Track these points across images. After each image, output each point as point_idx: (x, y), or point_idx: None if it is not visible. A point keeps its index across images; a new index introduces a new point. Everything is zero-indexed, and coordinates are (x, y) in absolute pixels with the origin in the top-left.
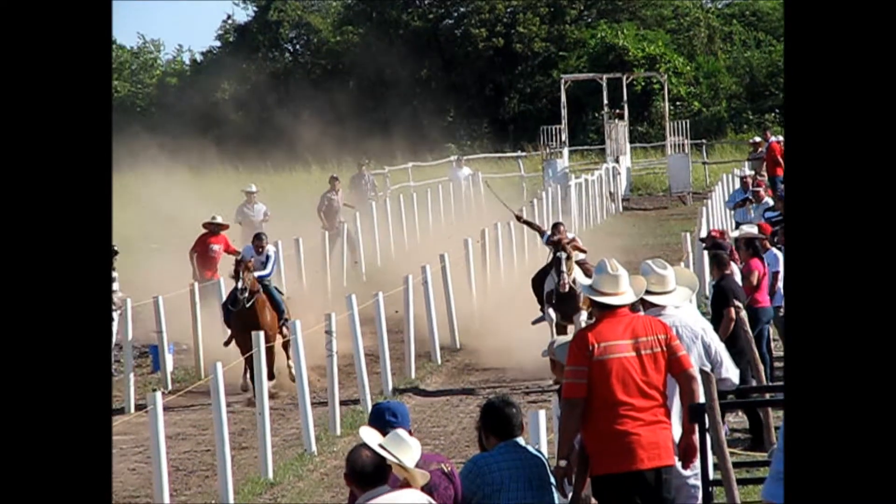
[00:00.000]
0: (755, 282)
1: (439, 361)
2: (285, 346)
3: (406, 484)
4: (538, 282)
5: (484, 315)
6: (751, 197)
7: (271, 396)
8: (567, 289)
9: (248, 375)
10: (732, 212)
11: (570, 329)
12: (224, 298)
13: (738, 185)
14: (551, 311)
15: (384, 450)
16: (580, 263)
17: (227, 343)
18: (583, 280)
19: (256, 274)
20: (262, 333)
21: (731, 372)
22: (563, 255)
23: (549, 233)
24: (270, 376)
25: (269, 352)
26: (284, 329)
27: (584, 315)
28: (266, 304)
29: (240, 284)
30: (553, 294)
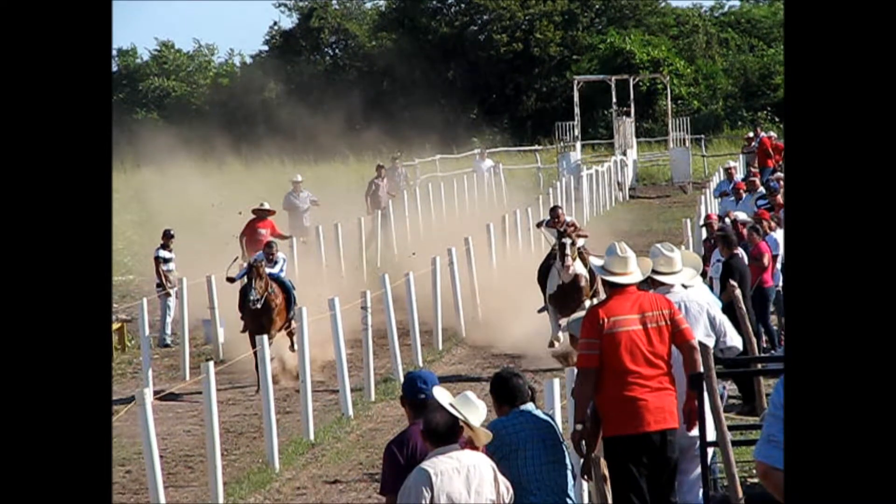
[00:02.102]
0: (766, 263)
1: (464, 334)
2: (290, 334)
3: (471, 444)
4: (543, 275)
5: (506, 292)
6: (729, 190)
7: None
8: (571, 272)
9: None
10: (718, 200)
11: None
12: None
13: (724, 177)
14: (555, 316)
15: (453, 408)
16: (580, 251)
17: (243, 331)
18: (595, 261)
19: (268, 271)
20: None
21: (735, 340)
22: (568, 241)
23: (548, 218)
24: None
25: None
26: (292, 323)
27: (580, 311)
28: (276, 300)
29: (253, 295)
30: (554, 296)
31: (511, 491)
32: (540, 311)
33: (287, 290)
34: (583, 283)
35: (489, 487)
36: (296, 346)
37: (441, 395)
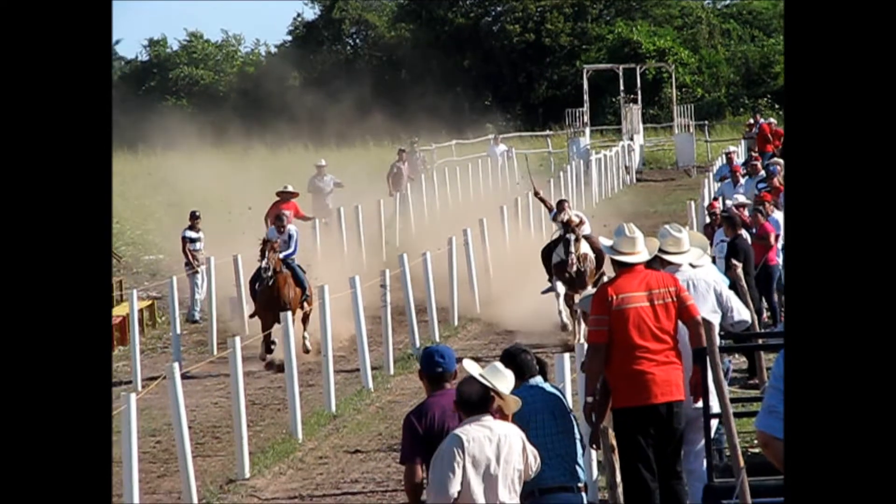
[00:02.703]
0: (772, 241)
1: (478, 310)
2: (304, 319)
3: (502, 412)
4: (546, 255)
5: (519, 270)
6: (728, 174)
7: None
8: (574, 268)
9: (267, 348)
10: (717, 184)
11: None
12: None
13: (724, 161)
14: (559, 284)
15: (483, 378)
16: (586, 237)
17: (251, 316)
18: (604, 241)
19: (282, 255)
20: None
21: (743, 314)
22: (572, 237)
23: (555, 210)
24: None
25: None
26: (305, 304)
27: (590, 289)
28: (288, 280)
29: (264, 263)
30: (561, 266)
31: (539, 459)
32: (544, 292)
33: (298, 278)
34: (589, 266)
35: (517, 456)
36: (308, 339)
37: (471, 366)
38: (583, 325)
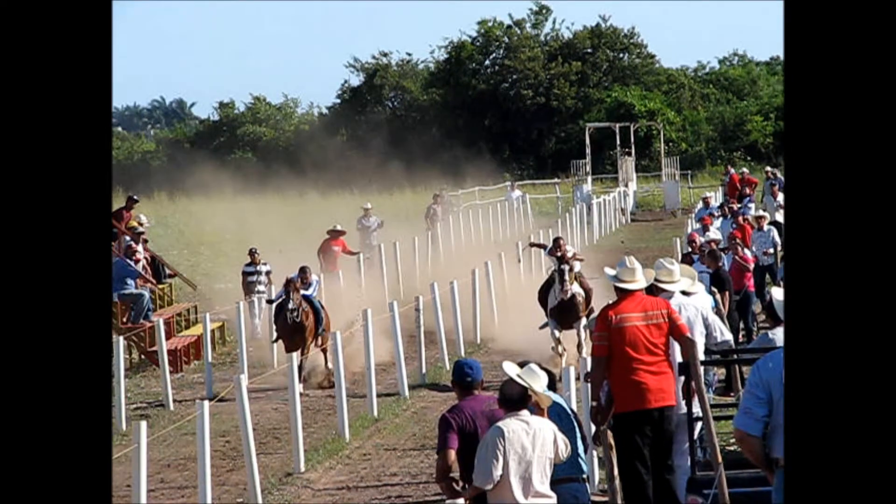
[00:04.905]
0: (750, 268)
1: (497, 330)
2: (324, 350)
3: (539, 409)
4: (543, 295)
5: (532, 297)
6: (715, 212)
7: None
8: (569, 295)
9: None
10: (698, 224)
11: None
12: (281, 298)
13: (702, 205)
14: (555, 324)
15: (521, 379)
16: (578, 276)
17: (274, 341)
18: (609, 271)
19: (302, 293)
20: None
21: (726, 335)
22: (567, 268)
23: (551, 246)
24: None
25: (304, 346)
26: (320, 339)
27: (583, 322)
28: (309, 315)
29: (290, 305)
30: (555, 310)
31: (569, 447)
32: (541, 327)
33: (316, 311)
34: (579, 301)
35: (550, 446)
36: (330, 363)
37: (510, 368)
38: (589, 342)
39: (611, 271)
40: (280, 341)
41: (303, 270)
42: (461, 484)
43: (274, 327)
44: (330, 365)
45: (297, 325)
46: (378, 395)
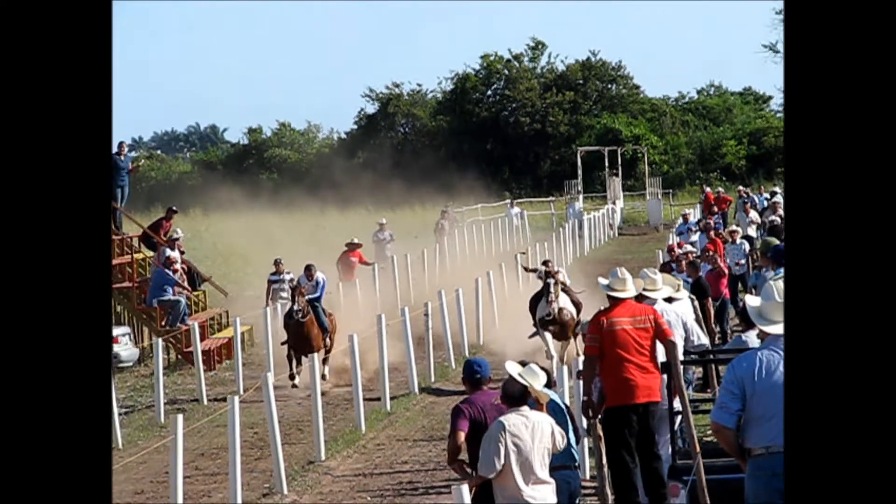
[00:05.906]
0: (725, 274)
1: (498, 333)
2: (325, 360)
3: (539, 405)
4: (533, 305)
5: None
6: (693, 227)
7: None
8: (554, 308)
9: (295, 369)
10: (678, 237)
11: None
12: (290, 306)
13: (682, 220)
14: (547, 334)
15: (521, 377)
16: (565, 290)
17: (284, 343)
18: (601, 280)
19: (308, 297)
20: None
21: (702, 339)
22: (552, 282)
23: (540, 268)
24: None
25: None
26: (328, 340)
27: (579, 339)
28: (314, 322)
29: (296, 307)
30: (544, 321)
31: (565, 439)
32: (531, 336)
33: (319, 320)
34: (567, 318)
35: (548, 438)
36: (327, 375)
37: (511, 367)
38: (581, 343)
39: (604, 281)
40: (287, 345)
41: (308, 268)
42: (471, 468)
43: (285, 333)
44: (328, 375)
45: (300, 324)
46: (390, 391)
